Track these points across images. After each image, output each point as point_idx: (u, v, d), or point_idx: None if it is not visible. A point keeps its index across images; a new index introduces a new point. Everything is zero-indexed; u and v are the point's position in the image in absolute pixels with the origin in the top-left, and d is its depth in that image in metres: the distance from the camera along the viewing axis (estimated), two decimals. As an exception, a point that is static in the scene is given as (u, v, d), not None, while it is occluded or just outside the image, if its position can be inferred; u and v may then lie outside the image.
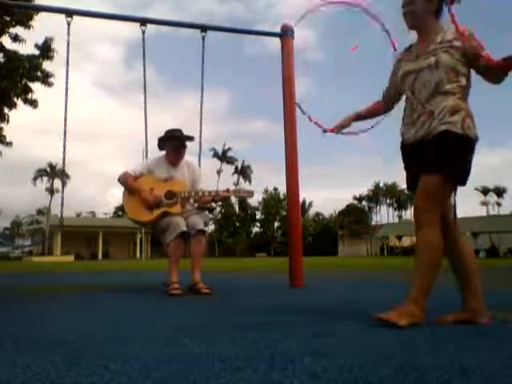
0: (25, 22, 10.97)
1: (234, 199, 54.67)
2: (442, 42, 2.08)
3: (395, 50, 2.39)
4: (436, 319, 2.04)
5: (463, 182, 2.05)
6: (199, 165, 4.33)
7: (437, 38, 2.10)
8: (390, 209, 63.99)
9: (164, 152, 4.03)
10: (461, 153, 1.99)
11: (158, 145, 4.02)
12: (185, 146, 3.99)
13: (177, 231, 3.61)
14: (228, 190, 3.90)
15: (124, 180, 3.87)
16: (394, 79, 2.35)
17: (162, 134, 4.01)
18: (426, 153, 2.03)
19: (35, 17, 11.02)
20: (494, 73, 1.94)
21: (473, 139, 2.01)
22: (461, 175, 2.02)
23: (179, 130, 3.99)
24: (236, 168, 56.46)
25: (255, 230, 61.23)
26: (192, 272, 3.70)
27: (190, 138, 4.03)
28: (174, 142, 3.93)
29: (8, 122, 11.76)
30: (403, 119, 2.22)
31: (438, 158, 1.98)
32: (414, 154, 2.12)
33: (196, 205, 4.09)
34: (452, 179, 2.00)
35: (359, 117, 2.53)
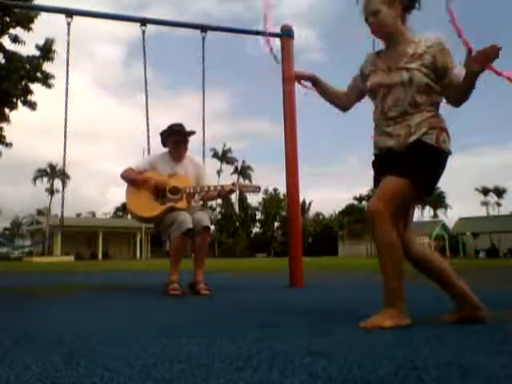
0: (25, 25, 10.97)
1: (234, 199, 54.68)
2: (415, 55, 2.05)
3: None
4: (435, 319, 2.04)
5: (426, 193, 2.09)
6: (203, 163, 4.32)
7: (408, 51, 2.08)
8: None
9: (167, 149, 4.01)
10: (432, 164, 2.01)
11: (162, 141, 4.00)
12: (186, 141, 3.96)
13: (182, 228, 3.54)
14: (234, 184, 3.85)
15: (127, 175, 3.84)
16: (358, 81, 2.32)
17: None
18: (398, 159, 2.03)
19: (35, 18, 11.03)
20: (461, 87, 1.95)
21: (446, 153, 2.04)
22: (426, 185, 2.04)
23: (180, 125, 3.96)
24: (236, 168, 56.44)
25: (255, 230, 61.25)
26: (195, 270, 3.69)
27: (191, 133, 4.00)
28: (175, 137, 3.90)
29: (9, 122, 11.77)
30: (376, 129, 2.19)
31: (410, 164, 1.99)
32: (386, 164, 2.10)
33: (201, 202, 4.07)
34: (417, 187, 2.00)
35: (319, 85, 2.49)
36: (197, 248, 3.71)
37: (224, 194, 3.86)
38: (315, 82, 2.51)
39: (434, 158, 2.00)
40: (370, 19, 2.13)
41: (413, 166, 1.98)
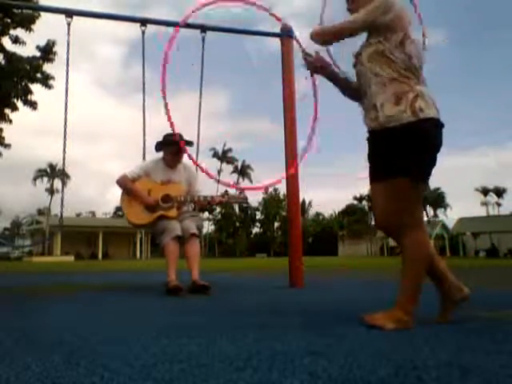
0: (27, 25, 10.97)
1: (233, 199, 54.61)
2: None
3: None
4: (435, 319, 2.04)
5: (429, 174, 1.98)
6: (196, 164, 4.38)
7: None
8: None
9: (161, 154, 4.07)
10: (418, 145, 1.86)
11: (156, 147, 4.07)
12: (184, 151, 4.02)
13: (172, 234, 3.72)
14: (223, 196, 3.97)
15: (122, 183, 3.95)
16: None
17: (161, 134, 4.06)
18: (385, 151, 1.94)
19: (36, 19, 11.02)
20: None
21: (430, 120, 1.87)
22: (425, 171, 1.94)
23: (179, 135, 4.00)
24: (236, 167, 56.38)
25: (255, 230, 61.25)
26: (190, 271, 3.76)
27: (190, 143, 4.06)
28: (173, 147, 3.96)
29: (11, 122, 11.78)
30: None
31: (400, 159, 1.88)
32: (373, 143, 2.05)
33: (192, 206, 4.15)
34: (418, 178, 1.92)
35: (338, 80, 2.24)
36: (188, 254, 3.82)
37: (214, 204, 4.00)
38: (334, 78, 2.25)
39: (416, 137, 1.86)
40: (348, 6, 2.13)
41: (406, 161, 1.86)
